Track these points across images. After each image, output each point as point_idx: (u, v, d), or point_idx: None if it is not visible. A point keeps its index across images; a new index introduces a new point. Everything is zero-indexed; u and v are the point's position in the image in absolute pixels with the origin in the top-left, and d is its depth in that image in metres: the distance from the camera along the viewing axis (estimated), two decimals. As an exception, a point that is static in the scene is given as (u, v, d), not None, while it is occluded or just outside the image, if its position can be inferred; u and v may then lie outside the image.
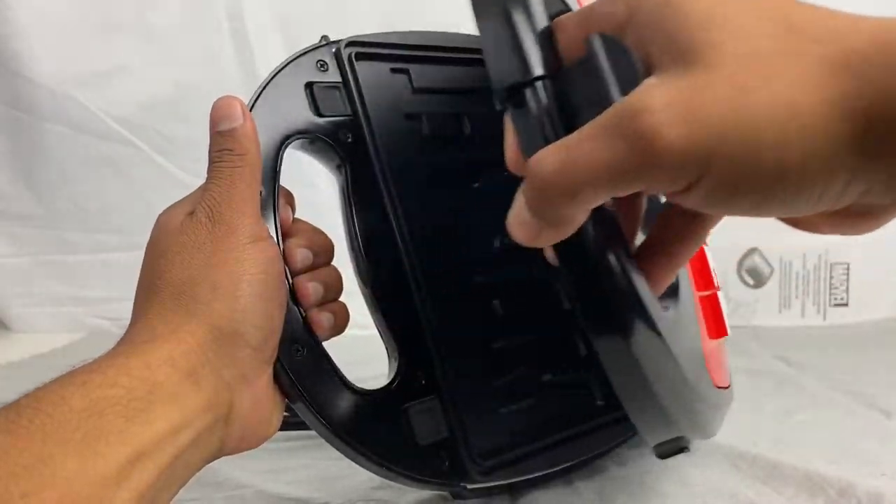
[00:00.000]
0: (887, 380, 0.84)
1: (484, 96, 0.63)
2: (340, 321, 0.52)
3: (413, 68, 0.62)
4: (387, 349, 0.55)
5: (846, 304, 1.18)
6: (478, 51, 0.62)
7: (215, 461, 0.59)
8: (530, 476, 0.58)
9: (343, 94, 0.56)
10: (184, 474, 0.40)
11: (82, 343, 1.20)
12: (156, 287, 0.43)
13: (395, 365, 0.54)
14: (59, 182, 1.19)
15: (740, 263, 1.18)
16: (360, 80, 0.57)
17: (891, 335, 1.11)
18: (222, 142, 0.46)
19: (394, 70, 0.61)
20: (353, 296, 0.55)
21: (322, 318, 0.50)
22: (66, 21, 1.14)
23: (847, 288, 1.18)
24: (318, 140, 0.55)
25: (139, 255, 0.46)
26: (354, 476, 0.59)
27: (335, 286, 0.53)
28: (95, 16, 1.17)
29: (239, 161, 0.46)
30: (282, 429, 0.64)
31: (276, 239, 0.48)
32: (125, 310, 0.45)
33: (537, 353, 0.62)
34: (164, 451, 0.37)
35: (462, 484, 0.53)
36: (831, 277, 1.19)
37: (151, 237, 0.46)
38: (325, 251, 0.54)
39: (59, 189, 1.20)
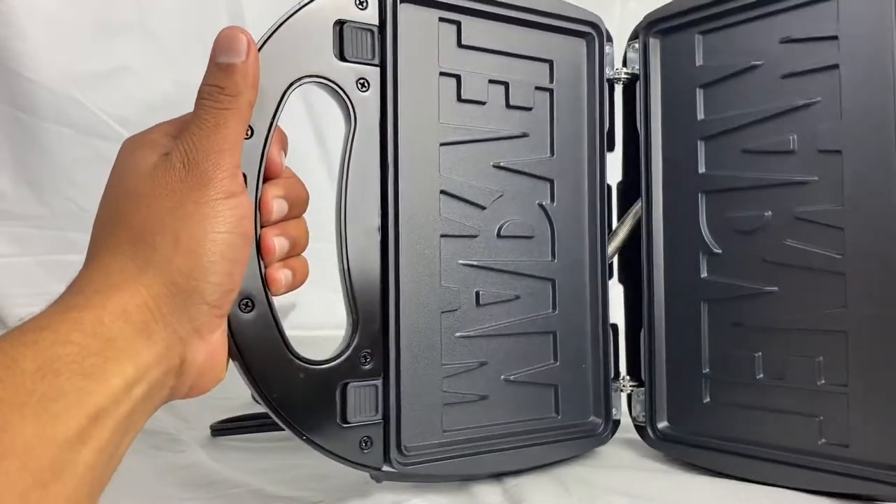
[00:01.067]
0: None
1: (535, 66, 0.62)
2: (298, 279, 0.49)
3: (466, 21, 0.57)
4: (347, 319, 0.52)
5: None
6: (545, 14, 0.61)
7: (210, 461, 0.63)
8: (456, 474, 0.56)
9: (376, 40, 0.51)
10: (138, 423, 0.39)
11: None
12: (116, 228, 0.41)
13: (348, 338, 0.51)
14: (59, 182, 1.17)
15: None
16: (400, 25, 0.53)
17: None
18: (217, 77, 0.43)
19: (443, 20, 0.56)
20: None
21: (280, 276, 0.47)
22: (66, 21, 1.14)
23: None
24: (327, 87, 0.50)
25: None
26: (348, 475, 0.57)
27: (301, 242, 0.50)
28: (96, 16, 1.16)
29: (228, 103, 0.42)
30: (270, 429, 0.63)
31: (256, 187, 0.46)
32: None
33: (505, 350, 0.59)
34: (121, 407, 0.36)
35: (380, 468, 0.52)
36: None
37: (117, 170, 0.43)
38: (300, 204, 0.50)
39: (60, 189, 1.17)
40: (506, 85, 0.59)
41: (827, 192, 0.54)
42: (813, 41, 0.56)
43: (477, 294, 0.58)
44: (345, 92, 0.50)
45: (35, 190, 1.18)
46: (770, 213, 0.58)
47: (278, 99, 0.47)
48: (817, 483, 0.54)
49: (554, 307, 0.62)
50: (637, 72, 0.65)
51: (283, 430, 0.49)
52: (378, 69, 0.51)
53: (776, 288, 0.57)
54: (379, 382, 0.51)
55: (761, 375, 0.58)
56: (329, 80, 0.49)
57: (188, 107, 1.21)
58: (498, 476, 0.58)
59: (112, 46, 1.15)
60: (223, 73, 0.42)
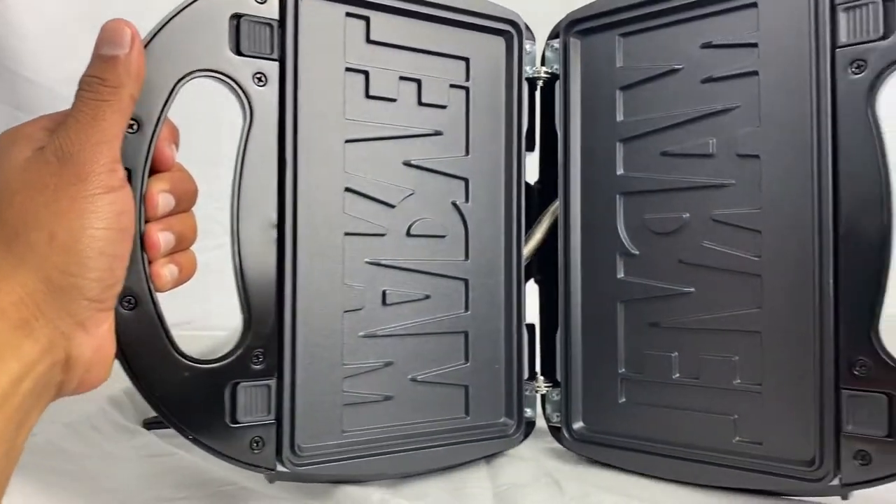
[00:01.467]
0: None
1: (450, 63, 0.60)
2: (185, 274, 0.48)
3: (375, 16, 0.56)
4: (242, 318, 0.50)
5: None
6: (461, 10, 0.59)
7: (201, 462, 0.61)
8: (356, 475, 0.55)
9: (275, 34, 0.50)
10: (31, 418, 0.39)
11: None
12: None
13: (239, 337, 0.49)
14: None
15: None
16: (301, 20, 0.51)
17: (887, 335, 1.07)
18: (98, 68, 0.41)
19: (350, 14, 0.55)
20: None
21: (164, 272, 0.46)
22: (66, 21, 1.12)
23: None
24: (222, 81, 0.48)
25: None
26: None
27: (188, 236, 0.48)
28: (95, 16, 1.16)
29: (109, 94, 0.41)
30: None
31: (141, 181, 0.45)
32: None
33: (413, 350, 0.58)
34: (9, 402, 0.36)
35: (273, 468, 0.50)
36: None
37: None
38: (188, 198, 0.48)
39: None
40: (418, 82, 0.58)
41: (745, 195, 0.54)
42: (733, 47, 0.55)
43: (384, 293, 0.56)
44: (240, 86, 0.49)
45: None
46: (688, 215, 0.57)
47: (168, 92, 0.46)
48: (731, 480, 0.54)
49: (466, 307, 0.60)
50: (556, 71, 0.63)
51: None
52: (277, 64, 0.50)
53: (693, 289, 0.57)
54: (272, 382, 0.50)
55: (677, 375, 0.58)
56: (223, 73, 0.48)
57: (187, 107, 1.22)
58: (399, 477, 0.57)
59: (112, 47, 1.16)
60: (105, 65, 0.41)
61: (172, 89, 0.46)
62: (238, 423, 0.48)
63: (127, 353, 0.45)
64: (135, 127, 0.44)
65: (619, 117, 0.61)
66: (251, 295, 0.49)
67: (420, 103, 0.58)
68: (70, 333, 0.40)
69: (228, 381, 0.48)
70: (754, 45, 0.54)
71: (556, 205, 0.64)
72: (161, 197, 0.46)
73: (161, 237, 0.46)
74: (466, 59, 0.60)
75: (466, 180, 0.61)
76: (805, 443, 0.51)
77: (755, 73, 0.54)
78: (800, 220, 0.51)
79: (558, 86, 0.63)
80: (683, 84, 0.57)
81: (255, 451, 0.49)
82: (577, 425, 0.62)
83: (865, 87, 0.47)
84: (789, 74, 0.52)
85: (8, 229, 0.39)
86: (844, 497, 0.49)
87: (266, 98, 0.49)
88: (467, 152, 0.61)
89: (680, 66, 0.57)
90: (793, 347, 0.52)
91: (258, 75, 0.49)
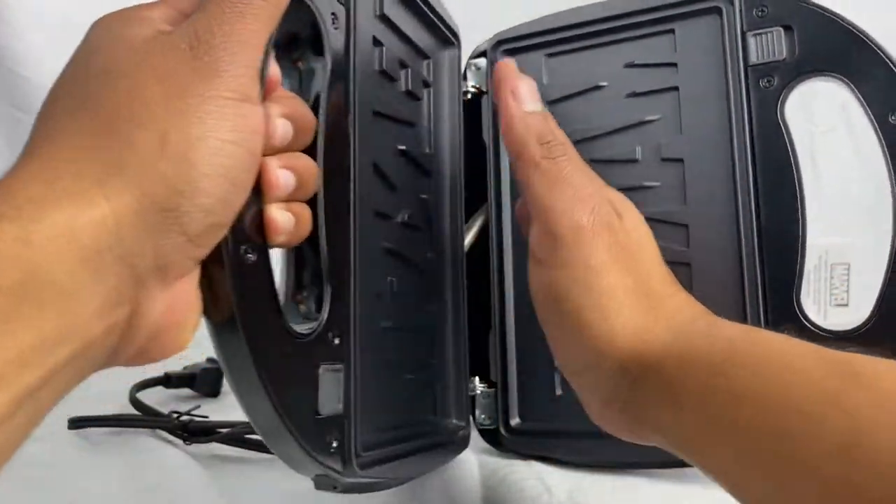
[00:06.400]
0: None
1: (420, 59, 0.57)
2: (302, 229, 0.35)
3: None
4: (305, 284, 0.40)
5: (846, 305, 1.17)
6: (429, 5, 0.56)
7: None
8: (392, 478, 0.46)
9: None
10: (52, 397, 0.26)
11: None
12: (80, 110, 0.28)
13: (327, 310, 0.38)
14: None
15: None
16: None
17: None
18: None
19: None
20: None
21: (282, 220, 0.33)
22: (66, 21, 0.96)
23: (847, 288, 1.17)
24: (310, 11, 0.39)
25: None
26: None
27: (308, 183, 0.35)
28: (95, 16, 0.96)
29: None
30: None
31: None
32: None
33: (408, 346, 0.52)
34: (28, 374, 0.23)
35: (341, 474, 0.39)
36: (832, 278, 1.16)
37: (90, 44, 0.30)
38: (307, 130, 0.36)
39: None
40: (407, 69, 0.52)
41: (670, 194, 0.56)
42: (654, 66, 0.57)
43: (392, 282, 0.48)
44: (323, 21, 0.39)
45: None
46: None
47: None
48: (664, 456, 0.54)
49: (432, 302, 0.55)
50: (482, 88, 0.62)
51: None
52: (344, 9, 0.42)
53: None
54: (342, 367, 0.39)
55: None
56: (311, 2, 0.38)
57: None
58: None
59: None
60: None
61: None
62: (319, 414, 0.37)
63: (245, 321, 0.32)
64: None
65: None
66: (330, 263, 0.39)
67: (406, 91, 0.52)
68: (145, 279, 0.27)
69: (316, 362, 0.37)
70: (674, 65, 0.57)
71: (484, 215, 0.61)
72: (280, 123, 0.33)
73: (282, 175, 0.33)
74: (429, 59, 0.57)
75: (430, 175, 0.56)
76: None
77: (676, 88, 0.57)
78: (723, 211, 0.54)
79: (486, 100, 0.61)
80: (608, 99, 0.59)
81: (332, 451, 0.37)
82: (514, 422, 0.59)
83: (776, 97, 0.53)
84: (707, 89, 0.55)
85: (101, 121, 0.27)
86: None
87: (338, 43, 0.41)
88: (430, 149, 0.56)
89: (604, 84, 0.59)
90: None
91: (333, 15, 0.40)
